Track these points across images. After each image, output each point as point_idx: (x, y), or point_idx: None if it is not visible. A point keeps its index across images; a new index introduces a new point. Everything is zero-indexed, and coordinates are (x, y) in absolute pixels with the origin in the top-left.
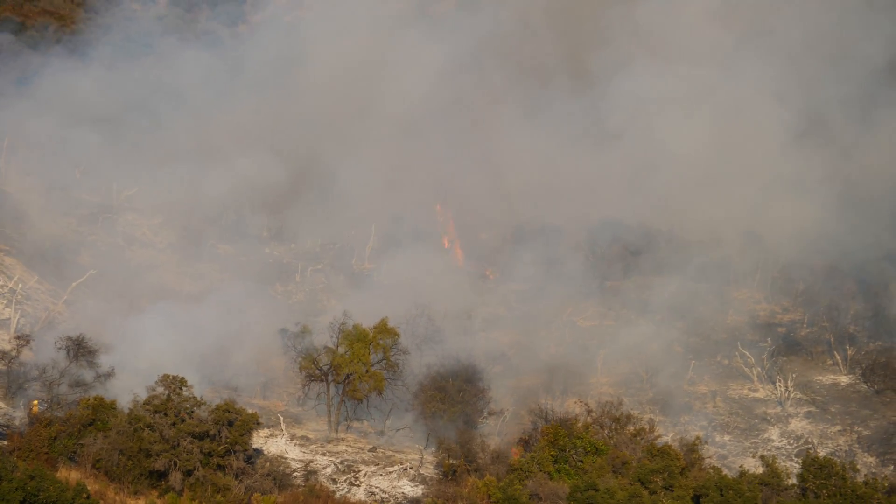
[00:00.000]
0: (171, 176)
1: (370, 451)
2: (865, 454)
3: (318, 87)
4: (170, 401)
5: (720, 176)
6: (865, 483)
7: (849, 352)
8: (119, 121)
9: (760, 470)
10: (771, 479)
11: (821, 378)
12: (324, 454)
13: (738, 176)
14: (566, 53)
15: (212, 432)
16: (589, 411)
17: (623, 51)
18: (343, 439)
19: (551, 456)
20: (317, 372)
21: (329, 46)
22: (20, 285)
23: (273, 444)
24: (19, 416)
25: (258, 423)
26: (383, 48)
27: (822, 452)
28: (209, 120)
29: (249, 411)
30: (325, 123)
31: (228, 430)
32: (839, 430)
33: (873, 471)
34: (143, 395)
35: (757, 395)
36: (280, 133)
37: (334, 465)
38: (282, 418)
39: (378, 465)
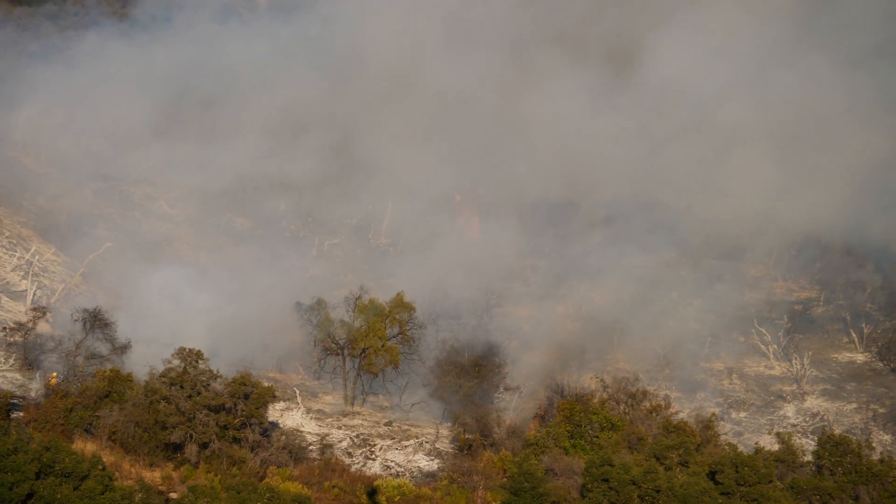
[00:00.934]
0: (190, 151)
1: (386, 425)
2: (881, 432)
3: (352, 66)
4: (186, 373)
5: (742, 153)
6: (881, 461)
7: (865, 330)
8: (141, 95)
9: (776, 447)
10: (786, 455)
11: (836, 356)
12: (339, 428)
13: (761, 153)
14: (598, 25)
15: (228, 405)
16: (605, 387)
17: (660, 18)
18: (359, 413)
19: (567, 431)
20: (333, 346)
21: (364, 26)
22: (37, 257)
23: (289, 417)
24: (35, 388)
25: (274, 397)
26: (417, 29)
27: (837, 430)
28: (239, 98)
29: (265, 384)
30: (356, 102)
31: (244, 404)
32: (855, 408)
33: (889, 449)
34: (160, 368)
35: (773, 372)
36: (311, 111)
37: (350, 438)
38: (297, 392)
39: (394, 439)
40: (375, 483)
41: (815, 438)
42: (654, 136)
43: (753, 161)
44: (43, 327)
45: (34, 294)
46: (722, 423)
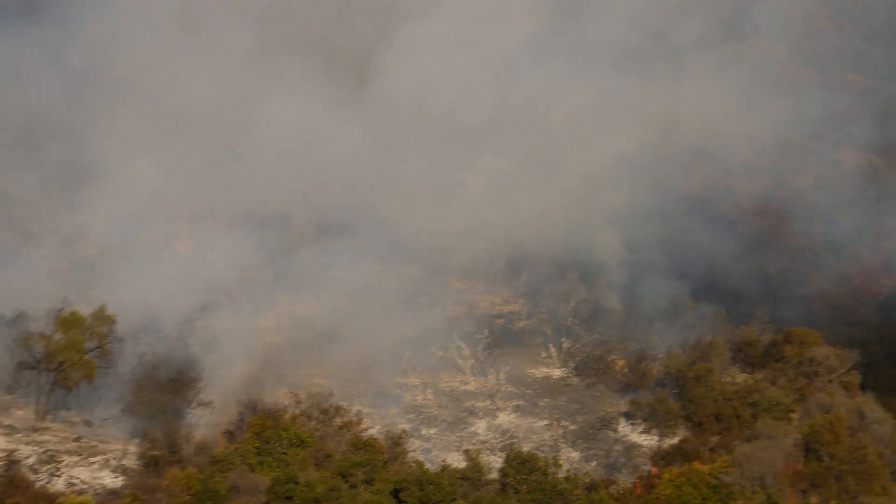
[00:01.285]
0: None
1: (75, 441)
2: (570, 449)
3: (87, 74)
4: None
5: (471, 161)
6: (567, 479)
7: (564, 344)
8: None
9: (464, 464)
10: (472, 473)
11: (534, 371)
12: (28, 443)
13: (488, 162)
14: (343, 36)
15: None
16: (298, 402)
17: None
18: (49, 428)
19: (255, 448)
20: (29, 359)
21: (101, 33)
22: None
23: None
24: None
25: None
26: (154, 37)
27: (526, 447)
28: None
29: None
30: (88, 111)
31: None
32: (546, 425)
33: (576, 466)
34: None
35: (468, 387)
36: (43, 122)
37: (37, 454)
38: None
39: (81, 455)
40: (57, 501)
41: (504, 455)
42: (385, 146)
43: (479, 170)
44: None
45: None
46: (412, 439)
